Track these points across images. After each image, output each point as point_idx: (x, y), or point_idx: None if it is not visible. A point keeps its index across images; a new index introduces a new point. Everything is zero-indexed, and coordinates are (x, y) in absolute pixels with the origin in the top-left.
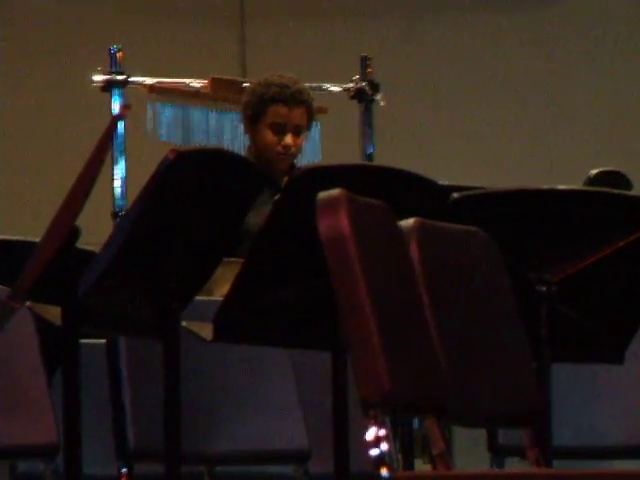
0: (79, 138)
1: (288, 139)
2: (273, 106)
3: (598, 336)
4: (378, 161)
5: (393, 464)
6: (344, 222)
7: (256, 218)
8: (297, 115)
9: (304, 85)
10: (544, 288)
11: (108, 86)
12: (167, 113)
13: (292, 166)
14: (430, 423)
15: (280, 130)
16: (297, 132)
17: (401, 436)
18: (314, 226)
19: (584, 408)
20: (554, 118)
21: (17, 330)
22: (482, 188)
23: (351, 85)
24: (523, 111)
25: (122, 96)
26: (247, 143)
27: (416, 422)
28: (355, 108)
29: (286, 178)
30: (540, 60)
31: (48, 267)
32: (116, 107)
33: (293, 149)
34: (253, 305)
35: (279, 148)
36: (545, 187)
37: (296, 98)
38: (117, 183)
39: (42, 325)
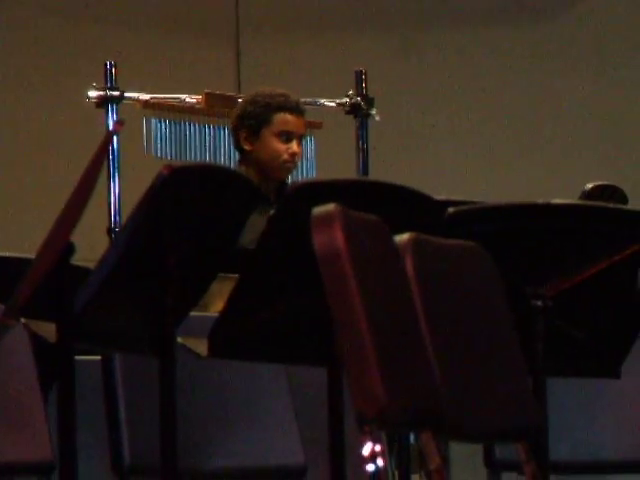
0: (74, 154)
1: (295, 147)
2: (280, 114)
3: (594, 350)
4: (373, 176)
5: (389, 479)
6: (339, 237)
7: (248, 233)
8: (301, 124)
9: None
10: (540, 302)
11: (103, 102)
12: (162, 128)
13: (283, 181)
14: (426, 438)
15: (288, 138)
16: (300, 141)
17: (397, 451)
18: (309, 241)
19: (581, 422)
20: (552, 133)
21: (12, 347)
22: (477, 203)
23: (346, 100)
24: (522, 126)
25: (117, 112)
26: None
27: (412, 437)
28: (350, 123)
29: (278, 192)
30: (539, 75)
31: (43, 283)
32: (111, 123)
33: (297, 157)
34: (248, 321)
35: (286, 156)
36: (540, 201)
37: (299, 107)
38: (112, 199)
39: (37, 342)
